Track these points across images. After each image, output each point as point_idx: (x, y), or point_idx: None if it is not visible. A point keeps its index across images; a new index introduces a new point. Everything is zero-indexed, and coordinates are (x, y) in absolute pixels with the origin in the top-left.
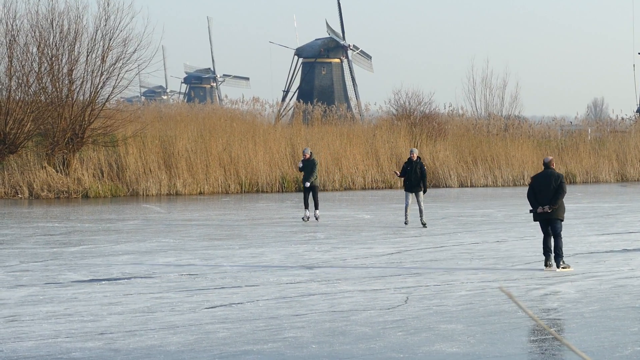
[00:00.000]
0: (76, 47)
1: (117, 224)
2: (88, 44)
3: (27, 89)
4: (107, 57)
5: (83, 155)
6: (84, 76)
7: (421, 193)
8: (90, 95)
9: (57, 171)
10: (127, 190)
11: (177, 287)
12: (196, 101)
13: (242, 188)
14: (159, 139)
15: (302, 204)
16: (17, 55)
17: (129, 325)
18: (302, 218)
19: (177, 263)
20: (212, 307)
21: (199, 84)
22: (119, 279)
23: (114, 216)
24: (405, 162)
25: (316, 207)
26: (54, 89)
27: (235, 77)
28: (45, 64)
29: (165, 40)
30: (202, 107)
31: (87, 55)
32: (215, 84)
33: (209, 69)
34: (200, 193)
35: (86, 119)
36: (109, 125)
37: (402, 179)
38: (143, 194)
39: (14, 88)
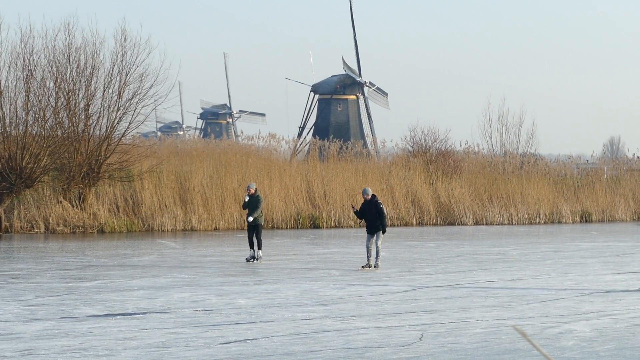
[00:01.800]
0: (93, 82)
1: (133, 259)
2: (105, 79)
3: (43, 123)
4: (123, 92)
5: (99, 190)
6: (100, 111)
7: (380, 233)
8: (106, 130)
9: (73, 206)
10: (143, 225)
11: (192, 322)
12: (212, 137)
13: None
14: (175, 174)
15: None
16: (34, 90)
17: None
18: (247, 259)
19: (192, 298)
20: (226, 343)
21: (215, 119)
22: (134, 313)
23: (129, 251)
24: (362, 204)
25: (259, 247)
26: (70, 124)
27: (251, 113)
28: (62, 99)
29: (182, 75)
30: (218, 142)
31: (104, 90)
32: (231, 119)
33: (225, 104)
34: (216, 229)
35: (102, 153)
36: (125, 160)
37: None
38: (158, 229)
39: (30, 122)
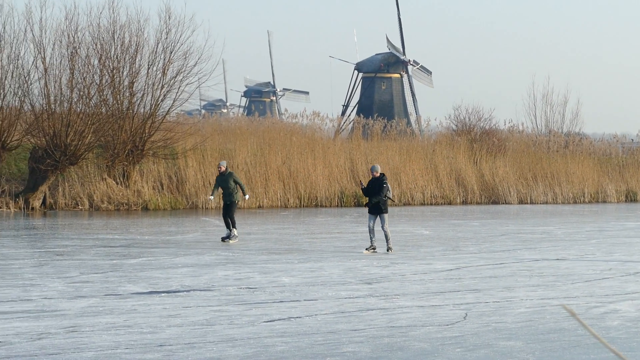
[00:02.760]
0: (137, 59)
1: (177, 237)
2: (149, 57)
3: (88, 101)
4: (167, 70)
5: (143, 167)
6: (144, 89)
7: (385, 215)
8: (150, 108)
9: (117, 183)
10: (187, 203)
11: (236, 300)
12: (256, 115)
13: (301, 202)
14: (219, 152)
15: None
16: (79, 68)
17: (188, 338)
18: (222, 238)
19: (236, 276)
20: (270, 321)
21: (259, 97)
22: (178, 291)
23: (173, 229)
24: (369, 181)
25: (233, 225)
26: (114, 101)
27: (295, 91)
28: (107, 77)
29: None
30: (262, 120)
31: (148, 68)
32: (275, 97)
33: (269, 82)
34: (259, 207)
35: (146, 131)
36: (169, 137)
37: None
38: (202, 206)
39: (75, 100)
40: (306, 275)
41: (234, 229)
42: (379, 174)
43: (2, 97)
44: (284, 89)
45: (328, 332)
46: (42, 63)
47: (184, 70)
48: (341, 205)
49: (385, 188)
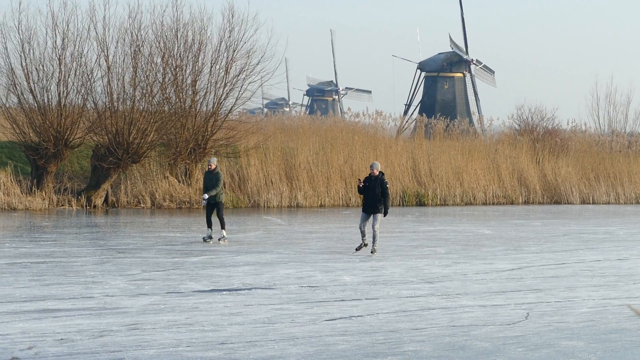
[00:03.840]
0: (200, 58)
1: (238, 235)
2: (212, 55)
3: (151, 99)
4: (230, 68)
5: (205, 165)
6: (207, 87)
7: (379, 215)
8: (213, 106)
9: (179, 181)
10: (249, 201)
11: (298, 298)
12: (318, 113)
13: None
14: (281, 150)
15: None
16: (142, 66)
17: (250, 336)
18: (204, 239)
19: (297, 275)
20: (332, 320)
21: (321, 96)
22: (240, 289)
23: (235, 227)
24: (366, 178)
25: (222, 227)
26: (177, 100)
27: (357, 90)
28: (169, 75)
29: (289, 52)
30: (324, 119)
31: (211, 66)
32: (337, 96)
33: (332, 81)
34: (321, 205)
35: (209, 129)
36: (231, 136)
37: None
38: (264, 205)
39: (138, 98)
40: (368, 274)
41: (223, 230)
42: (378, 173)
43: (65, 95)
44: (347, 88)
45: (389, 331)
46: (105, 61)
47: (247, 69)
48: (403, 205)
49: (388, 195)
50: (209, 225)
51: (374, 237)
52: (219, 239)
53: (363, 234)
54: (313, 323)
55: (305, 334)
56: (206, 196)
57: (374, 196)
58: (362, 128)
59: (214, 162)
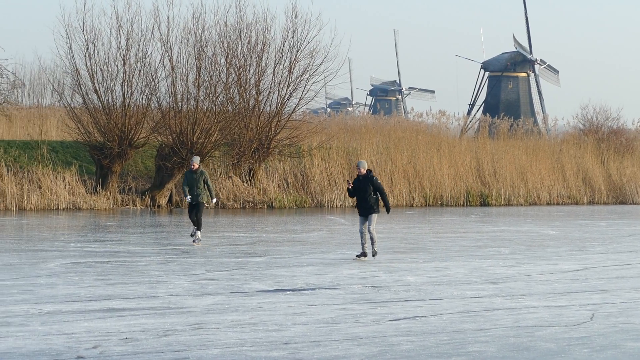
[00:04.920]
0: (263, 58)
1: (302, 235)
2: (275, 56)
3: (214, 99)
4: (294, 68)
5: (269, 165)
6: (270, 87)
7: (374, 216)
8: (276, 106)
9: (243, 181)
10: (312, 201)
11: (361, 299)
12: (381, 113)
13: (426, 201)
14: (344, 150)
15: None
16: (206, 66)
17: (313, 336)
18: (193, 240)
19: (361, 275)
20: (395, 320)
21: (385, 96)
22: (304, 289)
23: (299, 227)
24: (355, 179)
25: (198, 228)
26: (241, 100)
27: (420, 89)
28: (233, 75)
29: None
30: (388, 119)
31: (275, 67)
32: (400, 96)
33: (395, 81)
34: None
35: (272, 129)
36: (294, 136)
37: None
38: (327, 205)
39: (202, 98)
40: (431, 275)
41: (198, 232)
42: (365, 171)
43: (129, 95)
44: (410, 88)
45: (453, 332)
46: (169, 61)
47: (310, 69)
48: (467, 205)
49: (383, 190)
50: (194, 223)
51: (372, 240)
52: (193, 240)
53: (363, 238)
54: (377, 323)
55: (369, 334)
56: (215, 200)
57: (366, 197)
58: (426, 128)
59: (196, 161)
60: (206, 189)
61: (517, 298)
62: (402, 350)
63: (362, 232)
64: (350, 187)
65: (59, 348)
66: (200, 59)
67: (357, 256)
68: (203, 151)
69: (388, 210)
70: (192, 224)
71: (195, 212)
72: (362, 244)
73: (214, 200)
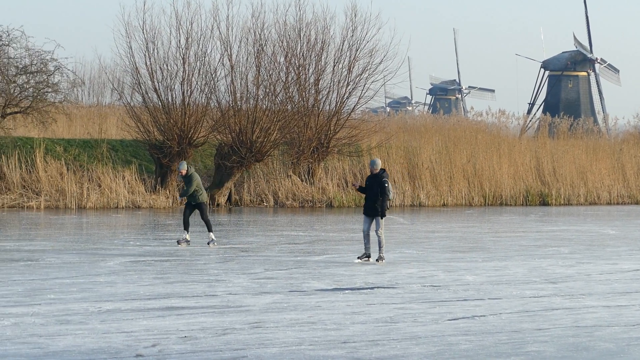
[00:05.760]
0: (323, 57)
1: (361, 234)
2: (335, 54)
3: (274, 98)
4: (353, 67)
5: (328, 164)
6: (330, 86)
7: (380, 220)
8: (336, 105)
9: (302, 180)
10: None
11: (420, 298)
12: (441, 112)
13: (485, 200)
14: (404, 149)
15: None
16: (265, 65)
17: (372, 335)
18: (177, 241)
19: (420, 274)
20: (454, 319)
21: (444, 95)
22: (362, 288)
23: (358, 226)
24: (368, 177)
25: (209, 229)
26: (300, 99)
27: (480, 89)
28: (292, 74)
29: (412, 51)
30: (447, 118)
31: (334, 66)
32: (460, 95)
33: (454, 80)
34: (444, 205)
35: (332, 128)
36: (354, 135)
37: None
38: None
39: (261, 97)
40: (490, 274)
41: (211, 233)
42: (378, 170)
43: (189, 94)
44: (470, 87)
45: (512, 331)
46: (229, 60)
47: (370, 68)
48: (526, 204)
49: (387, 189)
50: (186, 227)
51: (379, 244)
52: (208, 243)
53: (367, 239)
54: (435, 322)
55: (428, 333)
56: (180, 198)
57: (374, 197)
58: (485, 127)
59: (183, 167)
60: (202, 188)
61: (577, 298)
62: (460, 349)
63: (365, 233)
64: (358, 187)
65: (118, 346)
66: (259, 57)
67: (358, 258)
68: (262, 150)
69: (382, 215)
70: (183, 227)
71: (200, 215)
72: (365, 244)
73: (179, 199)
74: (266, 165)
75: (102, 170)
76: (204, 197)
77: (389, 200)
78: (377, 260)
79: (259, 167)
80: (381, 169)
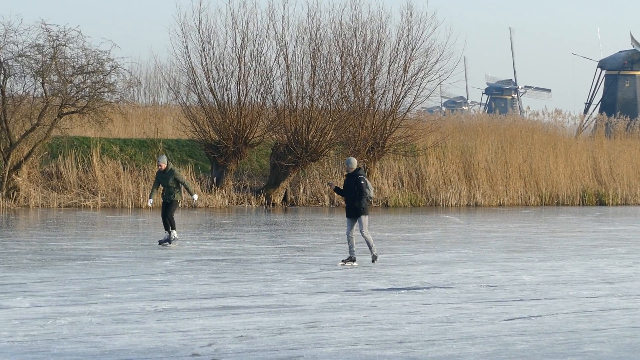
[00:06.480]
0: (378, 56)
1: (417, 234)
2: (390, 54)
3: (329, 97)
4: (409, 67)
5: (383, 164)
6: (385, 86)
7: (364, 218)
8: (391, 105)
9: None
10: (427, 200)
11: (476, 298)
12: (497, 112)
13: (542, 200)
14: (459, 149)
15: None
16: (321, 64)
17: (428, 335)
18: (159, 241)
19: (476, 274)
20: (510, 319)
21: (500, 94)
22: (418, 288)
23: (413, 226)
24: (345, 178)
25: (172, 227)
26: (355, 98)
27: (536, 88)
28: (348, 73)
29: (467, 50)
30: (503, 118)
31: (389, 65)
32: (516, 95)
33: (510, 80)
34: (500, 205)
35: (387, 128)
36: (409, 135)
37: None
38: (442, 204)
39: (316, 97)
40: (547, 274)
41: (174, 231)
42: (353, 169)
43: (245, 93)
44: (526, 86)
45: (569, 332)
46: (285, 60)
47: (425, 68)
48: (583, 204)
49: (364, 186)
50: (166, 227)
51: (368, 244)
52: (169, 241)
53: (351, 245)
54: (491, 323)
55: (484, 333)
56: (195, 197)
57: (353, 197)
58: (542, 127)
59: (163, 161)
60: (179, 187)
61: (634, 298)
62: (517, 350)
63: (349, 236)
64: (334, 187)
65: (174, 345)
66: (315, 57)
67: (342, 261)
68: (318, 150)
69: (363, 213)
70: (163, 227)
71: (166, 212)
72: (349, 248)
73: (194, 196)
74: (322, 165)
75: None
76: (178, 196)
77: (370, 199)
78: (372, 261)
79: (315, 167)
80: (357, 167)
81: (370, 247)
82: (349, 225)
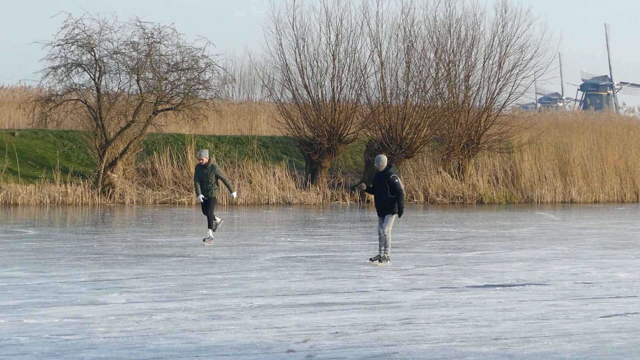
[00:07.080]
0: (473, 53)
1: (512, 231)
2: (485, 50)
3: (424, 94)
4: (503, 63)
5: (478, 161)
6: (480, 82)
7: (391, 217)
8: (486, 102)
9: (452, 177)
10: (522, 196)
11: (572, 295)
12: (592, 108)
13: (638, 197)
14: (554, 146)
15: None
16: (415, 61)
17: (523, 332)
18: (204, 240)
19: (571, 271)
20: (607, 316)
21: (595, 91)
22: (513, 285)
23: (509, 222)
24: (375, 176)
25: (209, 225)
26: (450, 95)
27: (632, 84)
28: (442, 70)
29: (562, 47)
30: (598, 114)
31: (484, 62)
32: (612, 91)
33: (606, 76)
34: (595, 201)
35: (482, 125)
36: (504, 131)
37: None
38: (537, 201)
39: (411, 93)
40: None
41: (210, 230)
42: (384, 167)
43: (339, 90)
44: (621, 83)
45: None
46: (379, 56)
47: (520, 64)
48: None
49: (398, 185)
50: (210, 224)
51: (385, 243)
52: (204, 239)
53: (381, 241)
54: (588, 320)
55: (580, 330)
56: (234, 194)
57: (382, 195)
58: (638, 123)
59: (205, 155)
60: (219, 184)
61: None
62: (613, 347)
63: (380, 235)
64: (364, 188)
65: (270, 342)
66: (409, 54)
67: (370, 260)
68: (412, 146)
69: (400, 213)
70: (209, 224)
71: (207, 209)
72: (379, 247)
73: (233, 194)
74: (416, 161)
75: (253, 166)
76: (217, 193)
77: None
78: (372, 260)
79: (409, 164)
80: (388, 164)
81: (385, 247)
82: (380, 224)
